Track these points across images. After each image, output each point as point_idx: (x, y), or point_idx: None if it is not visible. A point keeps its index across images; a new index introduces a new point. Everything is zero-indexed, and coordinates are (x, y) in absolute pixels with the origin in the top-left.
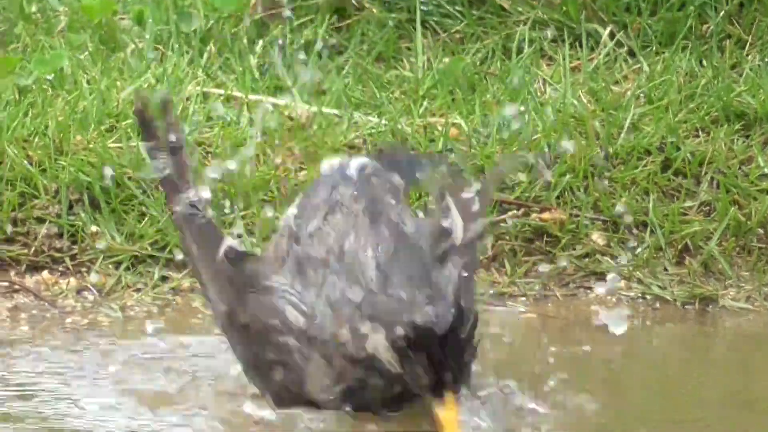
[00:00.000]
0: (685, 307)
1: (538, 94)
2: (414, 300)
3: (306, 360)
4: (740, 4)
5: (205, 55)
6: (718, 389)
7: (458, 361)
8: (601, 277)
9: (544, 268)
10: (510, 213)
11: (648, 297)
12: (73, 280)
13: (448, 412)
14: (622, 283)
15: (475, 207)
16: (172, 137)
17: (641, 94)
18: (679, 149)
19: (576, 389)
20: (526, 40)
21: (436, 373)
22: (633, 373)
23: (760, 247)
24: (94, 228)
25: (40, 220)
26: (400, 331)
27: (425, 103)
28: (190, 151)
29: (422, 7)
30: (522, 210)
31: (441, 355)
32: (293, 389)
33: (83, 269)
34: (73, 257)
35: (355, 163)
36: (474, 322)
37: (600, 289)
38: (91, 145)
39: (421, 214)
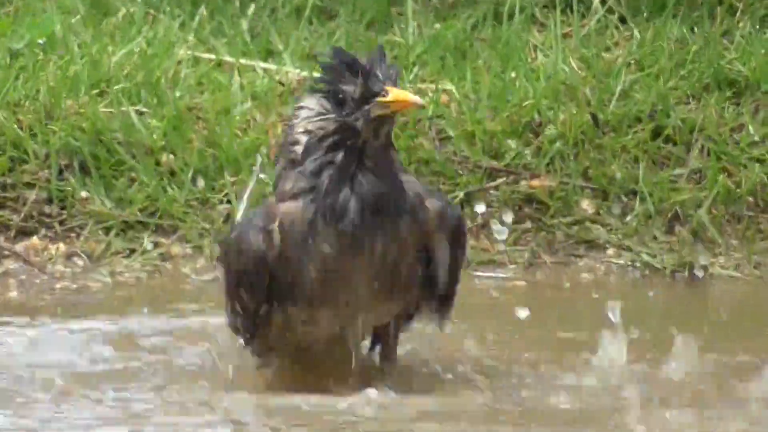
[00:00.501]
0: (675, 275)
1: (529, 60)
2: None
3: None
4: None
5: (197, 19)
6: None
7: (382, 64)
8: (590, 244)
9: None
10: (499, 180)
11: (637, 265)
12: (62, 246)
13: (395, 92)
14: (612, 251)
15: None
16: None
17: (632, 61)
18: (669, 117)
19: None
20: (518, 6)
21: (365, 81)
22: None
23: (749, 215)
24: (84, 194)
25: (30, 185)
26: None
27: (416, 69)
28: None
29: None
30: (511, 177)
31: (360, 64)
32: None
33: (73, 235)
34: (62, 222)
35: None
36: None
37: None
38: (81, 110)
39: None
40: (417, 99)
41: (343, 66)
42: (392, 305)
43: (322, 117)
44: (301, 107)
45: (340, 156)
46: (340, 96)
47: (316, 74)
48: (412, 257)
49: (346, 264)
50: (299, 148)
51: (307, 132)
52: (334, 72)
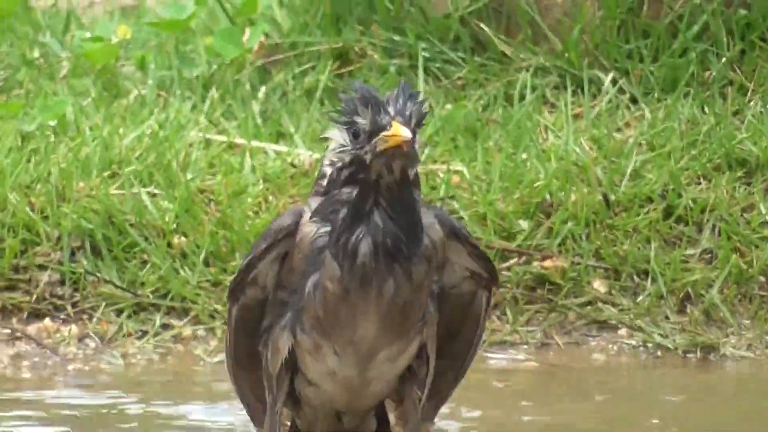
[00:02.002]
0: (687, 355)
1: (540, 141)
2: None
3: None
4: (742, 50)
5: (208, 101)
6: None
7: (401, 106)
8: (602, 325)
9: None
10: (512, 261)
11: (649, 345)
12: (74, 328)
13: (395, 126)
14: (624, 332)
15: None
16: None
17: (643, 141)
18: (680, 196)
19: None
20: (528, 86)
21: (375, 114)
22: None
23: (761, 294)
24: (95, 276)
25: (42, 267)
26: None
27: (427, 150)
28: None
29: (424, 54)
30: (523, 258)
31: (376, 98)
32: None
33: (85, 316)
34: (74, 304)
35: None
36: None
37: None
38: (93, 192)
39: None
40: (405, 132)
41: (361, 99)
42: (401, 347)
43: (341, 149)
44: (328, 139)
45: (355, 191)
46: (354, 129)
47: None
48: (426, 296)
49: (350, 304)
50: (325, 181)
51: (331, 164)
52: (352, 105)
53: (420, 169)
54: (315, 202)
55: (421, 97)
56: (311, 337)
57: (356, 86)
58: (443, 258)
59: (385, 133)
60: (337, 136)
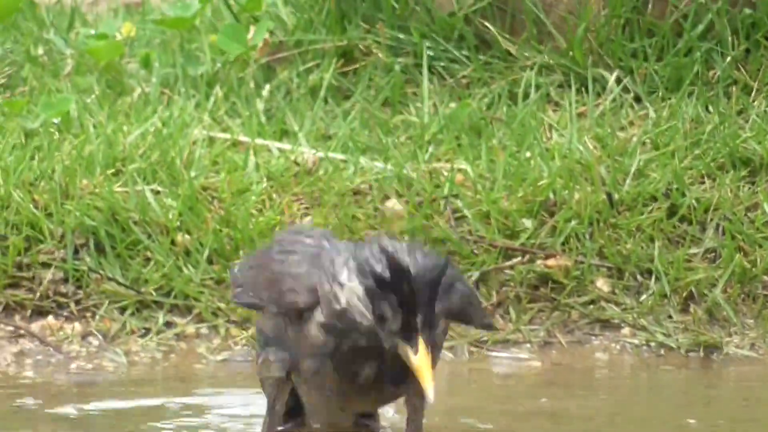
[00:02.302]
0: (689, 354)
1: (544, 139)
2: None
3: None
4: (747, 50)
5: (212, 99)
6: None
7: (428, 306)
8: (605, 324)
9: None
10: (515, 260)
11: (652, 344)
12: (78, 325)
13: (421, 357)
14: (627, 330)
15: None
16: None
17: (647, 140)
18: (684, 195)
19: None
20: (533, 85)
21: (406, 316)
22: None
23: (765, 294)
24: (99, 273)
25: (46, 265)
26: (373, 267)
27: (431, 149)
28: None
29: (429, 52)
30: (527, 256)
31: (410, 297)
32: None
33: (88, 314)
34: (78, 302)
35: None
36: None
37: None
38: (96, 190)
39: None
40: (430, 393)
41: (395, 285)
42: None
43: (360, 311)
44: (346, 276)
45: (361, 351)
46: (380, 312)
47: (371, 272)
48: None
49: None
50: (338, 307)
51: (348, 303)
52: (385, 285)
53: (423, 167)
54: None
55: (443, 282)
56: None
57: (394, 268)
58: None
59: (408, 351)
60: (358, 288)
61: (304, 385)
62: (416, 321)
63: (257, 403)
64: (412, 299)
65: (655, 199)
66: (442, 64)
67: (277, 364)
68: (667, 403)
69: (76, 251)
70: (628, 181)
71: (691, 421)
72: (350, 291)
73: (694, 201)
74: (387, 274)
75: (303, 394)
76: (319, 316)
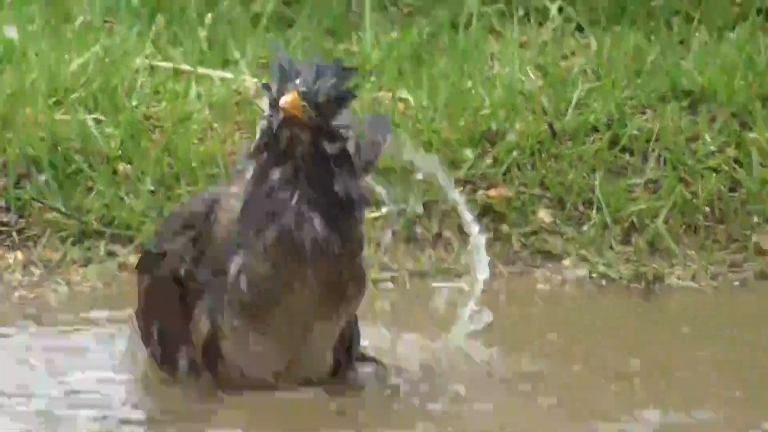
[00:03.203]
0: (631, 285)
1: (486, 69)
2: None
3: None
4: None
5: (154, 28)
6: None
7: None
8: (547, 255)
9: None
10: (457, 190)
11: (594, 275)
12: (19, 254)
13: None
14: (569, 261)
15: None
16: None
17: (589, 70)
18: (626, 126)
19: None
20: (475, 14)
21: (279, 81)
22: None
23: (706, 225)
24: (41, 202)
25: None
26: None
27: (373, 78)
28: None
29: None
30: (468, 187)
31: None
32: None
33: (30, 243)
34: (20, 231)
35: None
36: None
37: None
38: (38, 119)
39: None
40: (293, 102)
41: (274, 67)
42: (336, 322)
43: (263, 115)
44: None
45: (275, 160)
46: (269, 97)
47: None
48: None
49: (282, 281)
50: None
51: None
52: (270, 74)
53: (366, 96)
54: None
55: (335, 73)
56: (236, 320)
57: (278, 54)
58: None
59: (281, 102)
60: (264, 102)
61: (228, 340)
62: (290, 80)
63: None
64: (288, 68)
65: (596, 129)
66: None
67: (203, 321)
68: (607, 336)
69: (17, 180)
70: (569, 111)
71: (632, 357)
72: (261, 116)
73: (635, 131)
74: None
75: (227, 355)
76: (224, 198)
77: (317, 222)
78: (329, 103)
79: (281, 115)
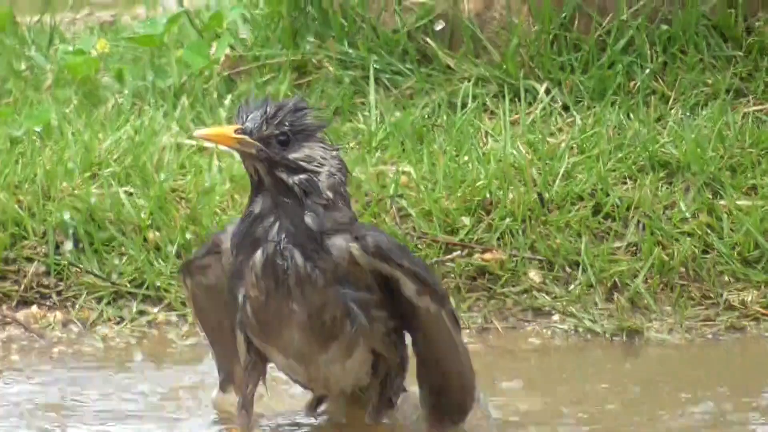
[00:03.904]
0: (614, 338)
1: (481, 144)
2: None
3: None
4: (664, 62)
5: (179, 109)
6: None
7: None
8: (537, 311)
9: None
10: (455, 253)
11: (580, 330)
12: (59, 314)
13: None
14: (557, 317)
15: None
16: None
17: (574, 145)
18: (608, 195)
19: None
20: (470, 95)
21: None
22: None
23: (681, 284)
24: (78, 267)
25: (30, 259)
26: None
27: (378, 153)
28: None
29: (375, 66)
30: (466, 251)
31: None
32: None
33: (68, 304)
34: (59, 293)
35: None
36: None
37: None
38: (75, 191)
39: None
40: (199, 132)
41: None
42: (341, 354)
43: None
44: None
45: (255, 192)
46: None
47: None
48: (336, 303)
49: (272, 309)
50: None
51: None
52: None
53: (371, 170)
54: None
55: (288, 110)
56: (257, 340)
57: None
58: (364, 275)
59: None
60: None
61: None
62: (242, 117)
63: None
64: (248, 104)
65: (581, 198)
66: (388, 76)
67: (241, 340)
68: (592, 383)
69: (57, 247)
70: (557, 182)
71: (612, 402)
72: None
73: (617, 200)
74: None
75: (279, 368)
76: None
77: (296, 253)
78: (277, 137)
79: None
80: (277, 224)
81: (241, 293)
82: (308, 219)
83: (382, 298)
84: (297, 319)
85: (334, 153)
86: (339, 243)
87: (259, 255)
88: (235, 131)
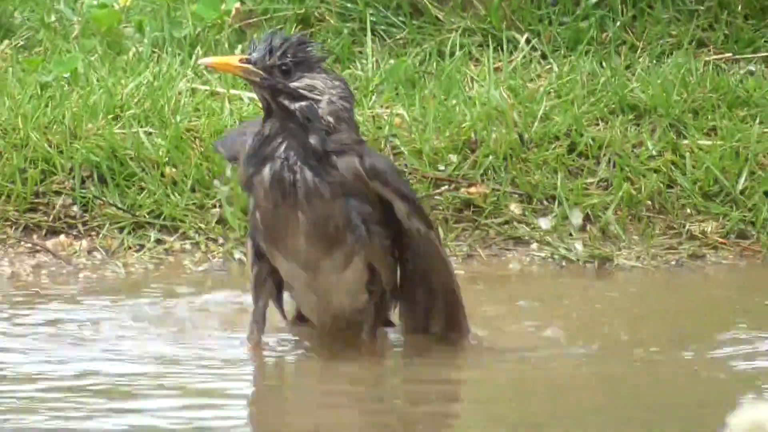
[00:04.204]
0: (586, 265)
1: (467, 90)
2: None
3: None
4: (633, 16)
5: (194, 57)
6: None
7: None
8: (517, 240)
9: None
10: (443, 188)
11: (556, 257)
12: (84, 242)
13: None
14: (535, 246)
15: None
16: None
17: (551, 90)
18: (582, 135)
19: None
20: (458, 45)
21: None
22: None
23: (648, 216)
24: (101, 200)
25: (58, 193)
26: None
27: (374, 97)
28: None
29: (371, 18)
30: (453, 185)
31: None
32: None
33: (93, 233)
34: (84, 223)
35: None
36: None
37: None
38: (99, 132)
39: None
40: (205, 59)
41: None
42: (341, 261)
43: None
44: None
45: (265, 115)
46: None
47: None
48: (341, 214)
49: (280, 216)
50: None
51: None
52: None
53: (368, 113)
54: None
55: (292, 43)
56: (265, 244)
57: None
58: (368, 191)
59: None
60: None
61: (270, 256)
62: (253, 50)
63: (234, 300)
64: (253, 44)
65: (557, 138)
66: (383, 28)
67: (250, 250)
68: (565, 304)
69: (82, 182)
70: (535, 124)
71: (586, 320)
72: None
73: (590, 140)
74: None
75: (283, 276)
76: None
77: (306, 169)
78: (280, 67)
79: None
80: (285, 144)
81: (251, 202)
82: (312, 140)
83: (381, 216)
84: (303, 227)
85: (336, 83)
86: (346, 159)
87: (267, 170)
88: (240, 60)
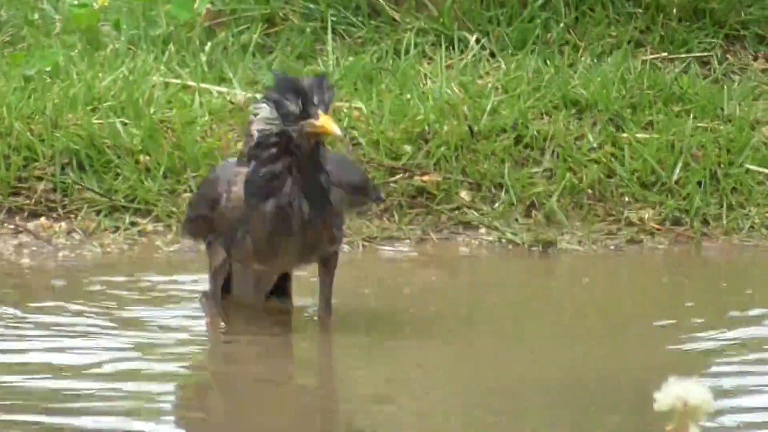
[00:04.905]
0: (531, 248)
1: (421, 85)
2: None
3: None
4: (576, 18)
5: (167, 54)
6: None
7: (320, 92)
8: (467, 225)
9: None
10: (398, 176)
11: (503, 241)
12: (64, 224)
13: (323, 118)
14: (484, 230)
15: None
16: None
17: (499, 86)
18: (528, 128)
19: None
20: (412, 44)
21: (303, 103)
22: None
23: (589, 203)
24: (80, 185)
25: (39, 179)
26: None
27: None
28: None
29: (332, 18)
30: (407, 174)
31: (302, 87)
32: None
33: (72, 216)
34: (64, 207)
35: None
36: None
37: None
38: (79, 122)
39: None
40: (338, 130)
41: (289, 87)
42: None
43: (270, 121)
44: (259, 108)
45: (279, 155)
46: (284, 111)
47: (268, 87)
48: (329, 235)
49: (273, 245)
50: (251, 141)
51: (259, 130)
52: (281, 90)
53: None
54: (242, 167)
55: (333, 87)
56: (248, 261)
57: (282, 76)
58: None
59: (313, 122)
60: (266, 109)
61: (236, 261)
62: (313, 103)
63: (199, 279)
64: (304, 88)
65: (505, 130)
66: (343, 27)
67: (220, 247)
68: (513, 287)
69: (62, 168)
70: (484, 117)
71: (532, 299)
72: (259, 120)
73: (535, 132)
74: (278, 81)
75: (235, 270)
76: (235, 186)
77: (304, 204)
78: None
79: (310, 129)
80: (293, 183)
81: (242, 229)
82: (322, 178)
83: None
84: (293, 249)
85: None
86: (336, 191)
87: (271, 203)
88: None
